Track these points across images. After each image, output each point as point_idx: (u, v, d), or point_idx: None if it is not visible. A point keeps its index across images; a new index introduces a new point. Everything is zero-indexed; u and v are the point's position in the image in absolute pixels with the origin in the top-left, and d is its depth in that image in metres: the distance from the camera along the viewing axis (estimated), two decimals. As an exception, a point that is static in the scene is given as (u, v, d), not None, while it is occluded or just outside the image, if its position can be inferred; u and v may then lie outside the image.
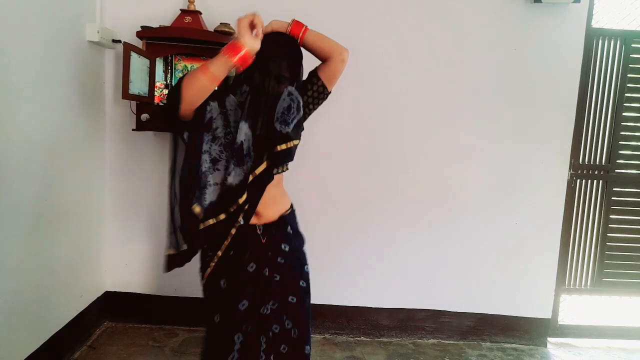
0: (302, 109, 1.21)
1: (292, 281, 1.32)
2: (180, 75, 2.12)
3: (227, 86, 1.22)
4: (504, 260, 2.39)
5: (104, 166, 2.28)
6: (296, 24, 1.25)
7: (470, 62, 2.28)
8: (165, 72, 2.14)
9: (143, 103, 2.01)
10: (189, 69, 2.13)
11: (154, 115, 2.02)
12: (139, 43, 2.02)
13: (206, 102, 1.16)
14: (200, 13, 2.07)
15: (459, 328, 2.44)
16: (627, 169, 2.44)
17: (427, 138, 2.32)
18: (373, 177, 2.33)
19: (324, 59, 1.29)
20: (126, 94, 1.83)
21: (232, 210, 1.19)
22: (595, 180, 2.44)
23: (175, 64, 2.14)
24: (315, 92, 1.31)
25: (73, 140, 1.96)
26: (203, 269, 1.29)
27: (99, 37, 2.01)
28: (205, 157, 1.19)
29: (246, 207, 1.20)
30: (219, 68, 1.11)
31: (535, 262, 2.39)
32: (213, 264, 1.25)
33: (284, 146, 1.19)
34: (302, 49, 1.27)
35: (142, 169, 2.29)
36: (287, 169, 1.28)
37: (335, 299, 2.39)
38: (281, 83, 1.18)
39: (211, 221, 1.19)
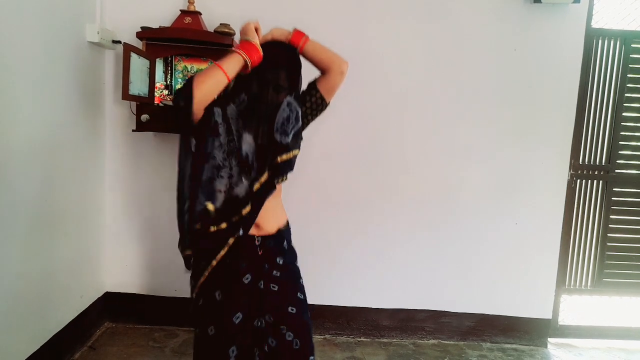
0: (300, 119, 1.21)
1: (289, 292, 1.29)
2: (180, 75, 2.13)
3: (226, 94, 1.22)
4: (504, 260, 2.39)
5: (104, 167, 2.28)
6: (297, 33, 1.25)
7: (470, 62, 2.28)
8: (165, 72, 2.14)
9: (143, 104, 2.01)
10: (189, 70, 2.13)
11: (154, 115, 2.02)
12: (138, 44, 2.02)
13: (211, 106, 1.16)
14: (200, 14, 2.07)
15: (459, 328, 2.44)
16: (627, 169, 2.44)
17: (427, 138, 2.32)
18: (373, 177, 2.33)
19: (323, 70, 1.29)
20: (126, 95, 1.84)
21: (234, 220, 1.18)
22: (595, 181, 2.44)
23: (175, 65, 2.14)
24: (313, 103, 1.31)
25: (73, 141, 1.97)
26: (195, 277, 1.26)
27: (99, 38, 2.01)
28: (212, 162, 1.17)
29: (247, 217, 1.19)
30: (232, 65, 1.14)
31: (535, 263, 2.39)
32: (207, 272, 1.22)
33: (284, 157, 1.19)
34: (301, 58, 1.26)
35: (142, 169, 2.29)
36: (286, 178, 1.27)
37: (335, 299, 2.39)
38: (279, 93, 1.18)
39: (213, 228, 1.18)
